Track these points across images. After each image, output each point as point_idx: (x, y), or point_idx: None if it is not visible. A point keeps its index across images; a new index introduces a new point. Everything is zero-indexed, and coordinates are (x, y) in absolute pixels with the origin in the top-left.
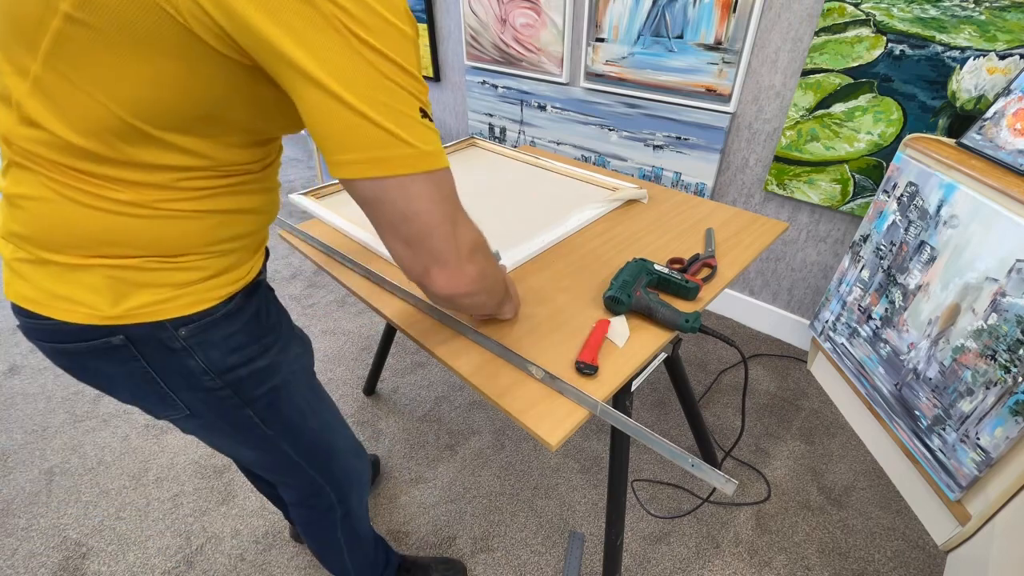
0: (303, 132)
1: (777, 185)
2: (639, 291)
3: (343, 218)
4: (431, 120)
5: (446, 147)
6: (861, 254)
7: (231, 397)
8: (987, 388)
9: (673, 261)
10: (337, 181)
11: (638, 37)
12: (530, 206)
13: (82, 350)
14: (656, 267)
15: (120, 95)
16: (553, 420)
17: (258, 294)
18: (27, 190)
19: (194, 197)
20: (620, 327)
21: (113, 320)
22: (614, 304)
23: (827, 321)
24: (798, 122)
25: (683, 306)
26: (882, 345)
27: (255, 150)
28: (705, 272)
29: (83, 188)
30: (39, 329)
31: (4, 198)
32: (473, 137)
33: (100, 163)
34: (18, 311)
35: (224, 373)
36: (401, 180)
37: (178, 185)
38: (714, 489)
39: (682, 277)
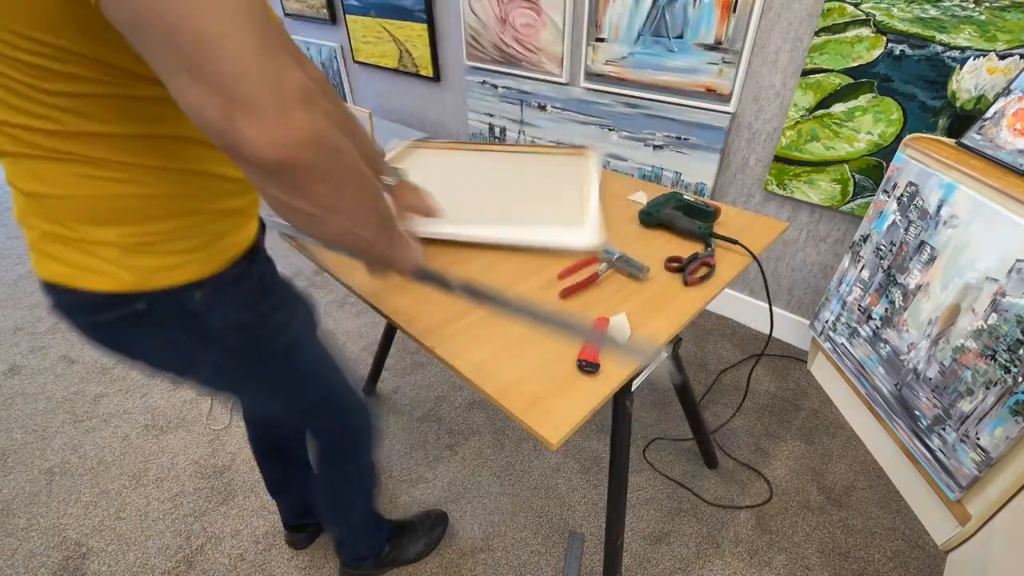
0: None
1: (777, 185)
2: (665, 210)
3: None
4: None
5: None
6: (861, 254)
7: (250, 352)
8: (987, 388)
9: (671, 259)
10: None
11: (638, 37)
12: (520, 191)
13: (113, 319)
14: (685, 197)
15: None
16: (553, 420)
17: (259, 260)
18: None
19: (155, 153)
20: (621, 325)
21: (133, 287)
22: (647, 217)
23: (827, 321)
24: (798, 122)
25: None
26: (882, 345)
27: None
28: (703, 271)
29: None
30: (73, 304)
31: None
32: (413, 140)
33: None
34: (54, 289)
35: (241, 329)
36: None
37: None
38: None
39: (703, 203)
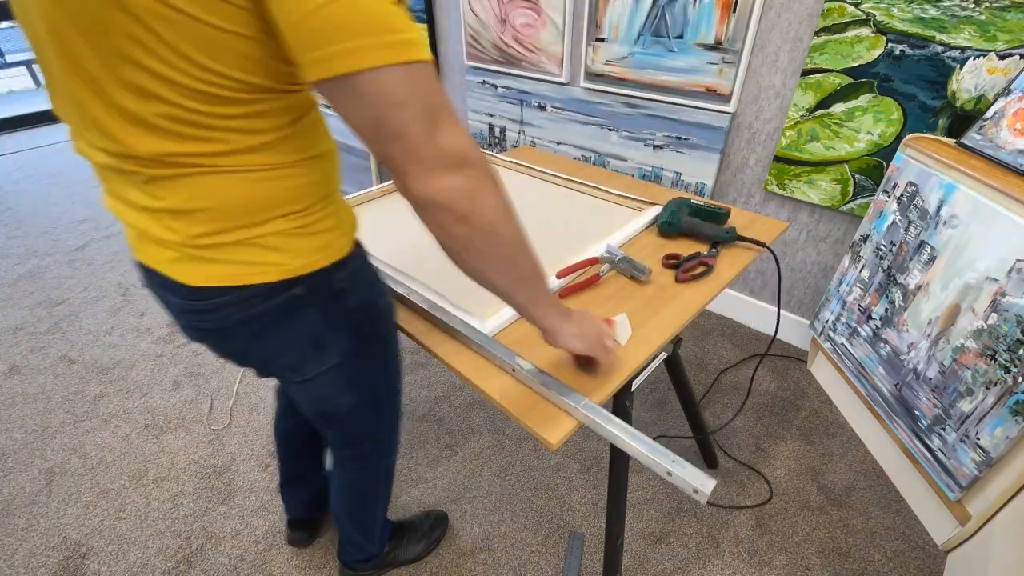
0: None
1: (777, 185)
2: (684, 218)
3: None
4: (406, 6)
5: None
6: (861, 254)
7: (367, 330)
8: (987, 388)
9: (669, 257)
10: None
11: (638, 37)
12: (553, 231)
13: (267, 310)
14: (693, 201)
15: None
16: (553, 420)
17: (362, 246)
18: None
19: (295, 147)
20: (623, 326)
21: (296, 272)
22: (667, 228)
23: (827, 321)
24: (798, 122)
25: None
26: (882, 345)
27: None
28: (700, 269)
29: (223, 161)
30: (228, 303)
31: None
32: (482, 151)
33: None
34: (210, 293)
35: (370, 307)
36: (374, 73)
37: (277, 136)
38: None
39: (715, 205)
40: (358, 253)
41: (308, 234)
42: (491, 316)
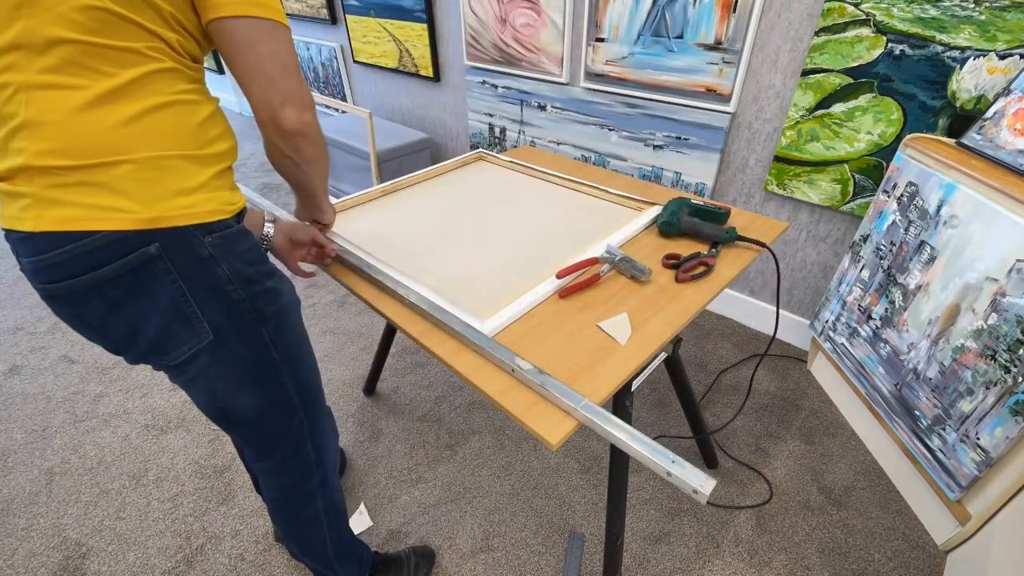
0: None
1: (777, 185)
2: (684, 218)
3: (344, 234)
4: None
5: (452, 160)
6: (861, 254)
7: (250, 311)
8: (987, 388)
9: (669, 257)
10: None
11: (638, 37)
12: (555, 230)
13: (118, 272)
14: (693, 201)
15: None
16: (553, 420)
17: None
18: (45, 106)
19: (173, 80)
20: (623, 326)
21: (148, 224)
22: (667, 228)
23: (827, 321)
24: (798, 122)
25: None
26: (882, 345)
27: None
28: (699, 269)
29: (89, 81)
30: (75, 259)
31: (22, 124)
32: (482, 151)
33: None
34: (53, 242)
35: (246, 284)
36: (272, 24)
37: (153, 67)
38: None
39: (714, 205)
40: (235, 226)
41: (167, 185)
42: (491, 316)
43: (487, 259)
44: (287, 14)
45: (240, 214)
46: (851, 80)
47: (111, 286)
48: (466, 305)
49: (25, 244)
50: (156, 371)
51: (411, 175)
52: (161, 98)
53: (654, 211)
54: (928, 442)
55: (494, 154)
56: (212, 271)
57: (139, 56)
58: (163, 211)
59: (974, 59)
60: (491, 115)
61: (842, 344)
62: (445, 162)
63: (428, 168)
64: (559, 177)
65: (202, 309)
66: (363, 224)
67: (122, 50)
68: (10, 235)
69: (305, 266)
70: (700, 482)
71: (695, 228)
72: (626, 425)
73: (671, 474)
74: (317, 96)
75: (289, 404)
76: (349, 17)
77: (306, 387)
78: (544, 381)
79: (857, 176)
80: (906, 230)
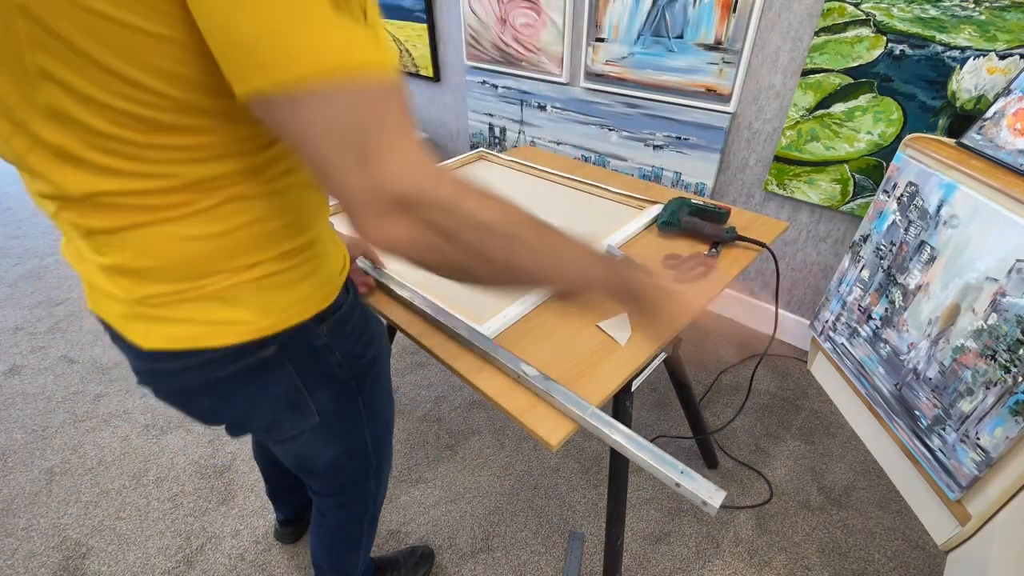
0: None
1: (777, 185)
2: (684, 217)
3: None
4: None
5: (452, 161)
6: (861, 254)
7: (353, 387)
8: (987, 388)
9: (669, 257)
10: None
11: (638, 37)
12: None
13: (232, 374)
14: (693, 201)
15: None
16: (553, 420)
17: (353, 286)
18: (130, 225)
19: (261, 180)
20: (623, 326)
21: (266, 331)
22: (667, 227)
23: (827, 321)
24: (798, 122)
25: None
26: (882, 345)
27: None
28: (701, 269)
29: (182, 207)
30: (189, 367)
31: (106, 236)
32: (482, 150)
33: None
34: (169, 356)
35: (354, 362)
36: (288, 97)
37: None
38: None
39: (714, 205)
40: (343, 298)
41: (281, 286)
42: (493, 316)
43: None
44: None
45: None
46: (851, 80)
47: (223, 384)
48: (465, 307)
49: (129, 348)
50: None
51: None
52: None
53: (654, 210)
54: (928, 442)
55: (495, 153)
56: (325, 358)
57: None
58: (280, 314)
59: (974, 59)
60: (491, 115)
61: (842, 344)
62: (445, 163)
63: None
64: (560, 176)
65: (311, 395)
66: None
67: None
68: (107, 326)
69: None
70: (709, 494)
71: (695, 228)
72: (633, 434)
73: (680, 485)
74: None
75: (365, 452)
76: None
77: (383, 433)
78: (550, 387)
79: (857, 176)
80: (906, 230)
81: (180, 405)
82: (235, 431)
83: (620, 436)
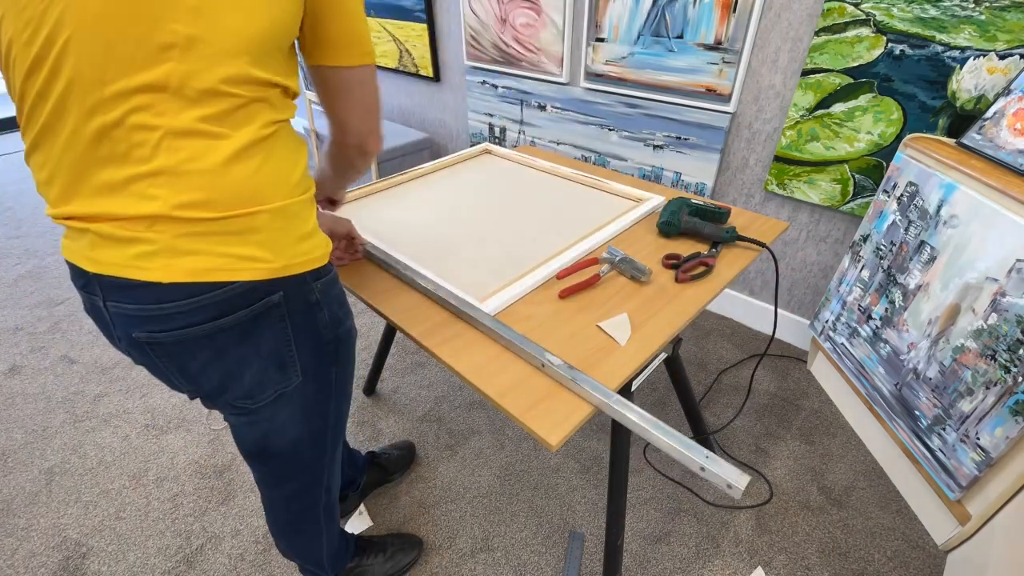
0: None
1: (777, 185)
2: (684, 217)
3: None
4: None
5: (458, 155)
6: (861, 254)
7: (332, 351)
8: (987, 388)
9: (669, 257)
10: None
11: (638, 37)
12: (556, 218)
13: (238, 320)
14: (693, 201)
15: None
16: (553, 420)
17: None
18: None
19: (279, 127)
20: (623, 326)
21: (278, 272)
22: (667, 227)
23: (827, 321)
24: (798, 122)
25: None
26: (882, 345)
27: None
28: (699, 269)
29: (221, 129)
30: (202, 308)
31: (158, 170)
32: (487, 144)
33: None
34: (179, 292)
35: (336, 326)
36: (375, 69)
37: (268, 113)
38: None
39: (715, 205)
40: (332, 269)
41: (293, 232)
42: (489, 298)
43: (487, 252)
44: None
45: None
46: (851, 80)
47: (225, 334)
48: (465, 290)
49: (135, 292)
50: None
51: (416, 168)
52: (279, 144)
53: (653, 201)
54: (928, 442)
55: (500, 147)
56: (315, 316)
57: (266, 106)
58: (290, 259)
59: (974, 59)
60: (491, 115)
61: (842, 344)
62: (448, 157)
63: (433, 162)
64: (561, 171)
65: (299, 355)
66: (365, 218)
67: (254, 100)
68: (106, 281)
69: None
70: (734, 477)
71: (695, 228)
72: (658, 421)
73: (705, 469)
74: (315, 96)
75: (323, 436)
76: None
77: (340, 418)
78: (575, 376)
79: (857, 176)
80: (906, 230)
81: (169, 361)
82: (213, 397)
83: (646, 422)
